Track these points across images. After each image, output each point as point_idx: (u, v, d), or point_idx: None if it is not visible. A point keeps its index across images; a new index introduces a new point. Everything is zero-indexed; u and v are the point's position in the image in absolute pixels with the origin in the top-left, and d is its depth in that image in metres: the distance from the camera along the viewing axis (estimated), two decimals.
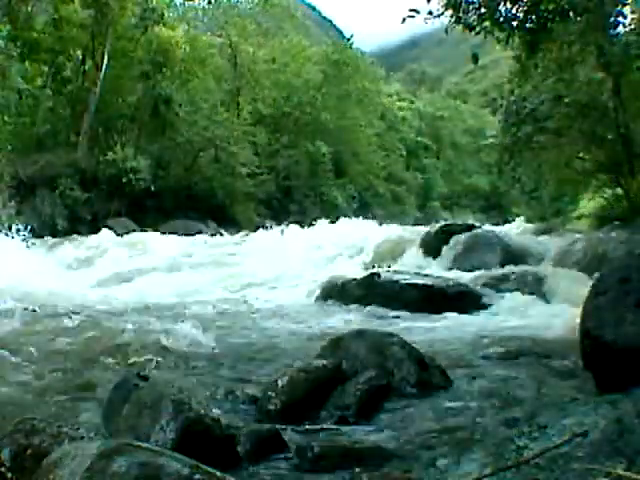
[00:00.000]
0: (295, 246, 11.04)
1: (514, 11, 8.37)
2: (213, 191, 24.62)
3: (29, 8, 20.64)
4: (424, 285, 6.03)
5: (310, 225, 16.93)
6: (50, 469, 1.64)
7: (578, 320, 2.91)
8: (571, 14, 8.44)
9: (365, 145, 35.69)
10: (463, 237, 8.31)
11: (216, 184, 24.71)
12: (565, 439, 1.88)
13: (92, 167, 21.53)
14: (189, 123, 24.25)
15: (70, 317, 5.08)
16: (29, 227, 11.41)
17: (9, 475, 1.79)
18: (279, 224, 18.61)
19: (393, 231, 12.33)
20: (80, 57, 23.69)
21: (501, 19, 8.29)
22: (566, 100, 13.17)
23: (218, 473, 1.61)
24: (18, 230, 10.66)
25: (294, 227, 15.88)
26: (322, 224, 16.91)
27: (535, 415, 2.42)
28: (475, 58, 8.70)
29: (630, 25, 10.78)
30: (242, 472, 2.09)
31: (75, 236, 15.42)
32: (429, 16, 7.84)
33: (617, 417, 1.94)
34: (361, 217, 20.90)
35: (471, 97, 74.43)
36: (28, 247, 9.96)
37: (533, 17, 8.17)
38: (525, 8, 8.27)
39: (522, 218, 25.06)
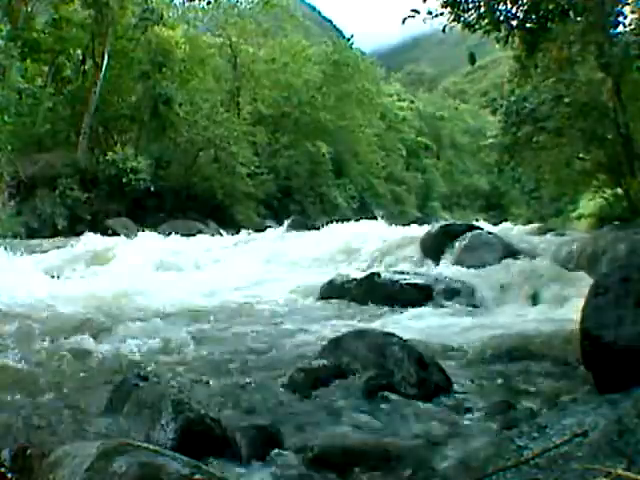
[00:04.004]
0: (295, 246, 11.03)
1: (514, 11, 8.37)
2: (213, 191, 24.59)
3: (29, 8, 20.66)
4: (424, 285, 6.05)
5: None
6: (50, 469, 1.64)
7: (578, 319, 2.91)
8: (571, 14, 8.44)
9: (365, 145, 35.64)
10: (463, 237, 8.33)
11: (216, 184, 24.68)
12: (565, 439, 1.88)
13: (92, 167, 21.54)
14: (189, 123, 24.23)
15: (66, 320, 5.08)
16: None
17: (9, 475, 1.79)
18: (280, 224, 18.50)
19: None
20: (80, 57, 23.71)
21: (501, 18, 8.29)
22: (566, 100, 13.17)
23: (218, 473, 1.60)
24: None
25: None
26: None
27: (535, 415, 2.42)
28: (472, 59, 8.63)
29: (630, 25, 10.78)
30: (242, 472, 2.09)
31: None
32: (428, 16, 7.83)
33: (617, 417, 1.94)
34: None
35: (471, 97, 74.43)
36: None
37: (533, 17, 8.16)
38: (525, 8, 8.27)
39: (510, 223, 23.94)
